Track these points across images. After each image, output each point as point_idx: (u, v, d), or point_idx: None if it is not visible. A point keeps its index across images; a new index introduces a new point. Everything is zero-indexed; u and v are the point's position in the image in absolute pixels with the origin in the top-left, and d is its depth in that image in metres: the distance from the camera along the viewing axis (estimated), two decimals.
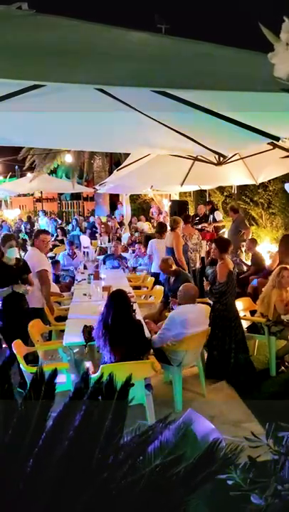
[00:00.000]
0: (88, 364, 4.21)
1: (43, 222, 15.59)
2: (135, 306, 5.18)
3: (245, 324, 5.72)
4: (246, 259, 8.54)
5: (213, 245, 5.47)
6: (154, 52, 1.68)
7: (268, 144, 3.81)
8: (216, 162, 6.52)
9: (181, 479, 0.96)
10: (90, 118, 3.99)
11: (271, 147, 5.48)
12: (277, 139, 3.13)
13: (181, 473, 0.97)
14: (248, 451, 1.24)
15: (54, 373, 1.11)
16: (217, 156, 6.13)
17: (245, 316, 5.83)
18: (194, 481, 0.97)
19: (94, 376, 1.23)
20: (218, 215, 10.76)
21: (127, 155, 9.54)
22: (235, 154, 6.64)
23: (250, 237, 8.69)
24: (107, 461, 0.97)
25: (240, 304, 5.78)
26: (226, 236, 8.86)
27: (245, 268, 8.28)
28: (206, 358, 5.16)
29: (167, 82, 1.58)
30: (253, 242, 8.41)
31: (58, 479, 0.90)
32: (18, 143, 6.41)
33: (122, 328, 3.85)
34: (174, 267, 6.24)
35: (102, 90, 3.14)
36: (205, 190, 12.88)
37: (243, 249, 8.74)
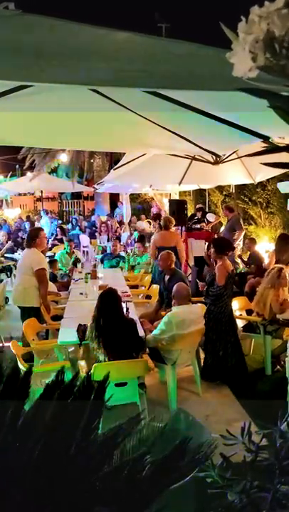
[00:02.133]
0: (82, 363, 4.22)
1: (43, 222, 15.61)
2: (131, 305, 5.19)
3: (240, 323, 5.73)
4: (244, 257, 8.54)
5: (211, 246, 5.42)
6: (139, 53, 1.69)
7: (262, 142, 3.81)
8: (212, 161, 6.52)
9: (150, 474, 0.97)
10: (86, 117, 4.00)
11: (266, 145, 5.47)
12: (268, 138, 3.14)
13: (148, 470, 0.98)
14: (222, 448, 1.25)
15: (29, 371, 1.12)
16: (213, 156, 6.13)
17: (241, 315, 5.84)
18: (164, 477, 0.98)
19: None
20: (211, 216, 10.78)
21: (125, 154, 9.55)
22: (233, 153, 6.63)
23: (249, 237, 8.72)
24: (79, 455, 0.98)
25: (237, 303, 5.78)
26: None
27: (241, 266, 8.29)
28: (202, 358, 5.17)
29: (149, 83, 1.59)
30: (253, 241, 8.42)
31: (29, 476, 0.91)
32: (16, 142, 6.44)
33: (114, 328, 3.86)
34: (173, 265, 6.24)
35: (95, 90, 3.16)
36: (204, 190, 12.89)
37: (239, 248, 8.77)
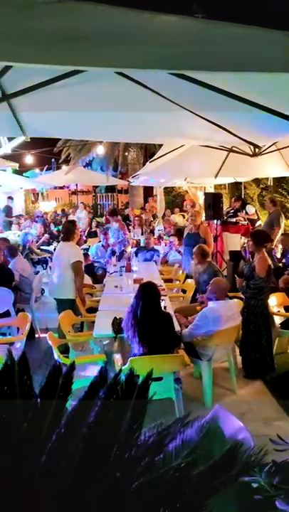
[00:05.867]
0: (118, 356, 4.20)
1: (81, 215, 15.71)
2: (166, 300, 5.14)
3: (278, 320, 5.58)
4: (277, 252, 8.33)
5: (249, 239, 5.31)
6: (183, 36, 1.62)
7: None
8: (251, 153, 6.34)
9: (199, 482, 0.92)
10: (122, 108, 3.96)
11: None
12: None
13: (199, 475, 0.93)
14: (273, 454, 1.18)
15: (72, 366, 1.08)
16: (252, 147, 5.97)
17: (279, 311, 5.69)
18: (212, 485, 0.92)
19: (124, 368, 1.21)
20: (250, 208, 10.51)
21: (161, 147, 9.47)
22: (272, 145, 6.44)
23: (284, 232, 8.47)
24: (122, 459, 0.94)
25: (275, 299, 5.62)
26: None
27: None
28: (238, 354, 5.07)
29: (190, 64, 1.53)
30: (288, 236, 8.18)
31: (71, 476, 0.87)
32: (54, 134, 6.48)
33: (150, 320, 3.83)
34: (209, 257, 6.15)
35: (134, 80, 3.11)
36: (240, 183, 12.64)
37: (274, 242, 8.54)
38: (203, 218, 8.18)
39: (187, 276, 7.16)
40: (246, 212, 10.34)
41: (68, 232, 5.82)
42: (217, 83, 2.73)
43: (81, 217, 15.01)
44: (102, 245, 9.75)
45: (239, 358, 5.08)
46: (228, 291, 4.78)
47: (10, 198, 15.20)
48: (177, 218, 13.71)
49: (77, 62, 1.55)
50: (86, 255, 8.50)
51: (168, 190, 17.02)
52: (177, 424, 1.10)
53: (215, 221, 8.77)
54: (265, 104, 2.92)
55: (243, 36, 1.65)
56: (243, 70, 1.69)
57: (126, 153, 18.26)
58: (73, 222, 6.68)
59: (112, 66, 1.57)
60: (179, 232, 9.24)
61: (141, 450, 0.96)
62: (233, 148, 6.53)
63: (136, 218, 13.97)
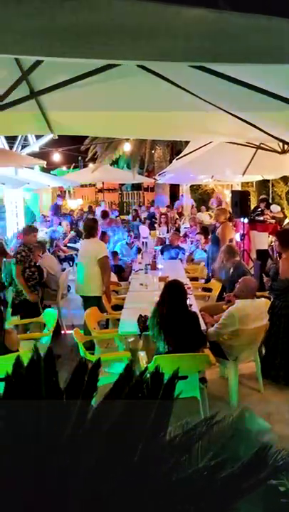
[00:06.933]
0: (142, 354, 4.19)
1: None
2: (192, 298, 5.10)
3: None
4: None
5: (275, 238, 5.21)
6: (210, 28, 1.59)
7: None
8: (279, 150, 6.23)
9: (227, 484, 0.89)
10: (151, 107, 3.95)
11: None
12: None
13: (227, 477, 0.91)
14: None
15: (98, 364, 1.08)
16: (281, 144, 5.86)
17: None
18: (241, 487, 0.90)
19: (149, 365, 1.20)
20: (275, 207, 10.35)
21: (187, 144, 9.40)
22: None
23: None
24: (148, 458, 0.92)
25: None
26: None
27: None
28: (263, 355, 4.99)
29: (217, 57, 1.51)
30: None
31: (95, 473, 0.86)
32: (82, 132, 6.53)
33: (176, 319, 3.80)
34: (238, 256, 6.07)
35: (161, 76, 3.09)
36: (268, 181, 12.45)
37: None
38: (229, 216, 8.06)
39: (212, 275, 7.10)
40: (271, 211, 10.20)
41: (91, 229, 5.90)
42: (246, 77, 2.69)
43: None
44: (127, 243, 9.77)
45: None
46: (256, 290, 4.70)
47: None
48: (203, 216, 13.60)
49: (103, 56, 1.55)
50: (115, 254, 8.53)
51: (194, 188, 16.90)
52: (203, 424, 1.08)
53: (242, 219, 8.65)
54: None
55: (268, 28, 1.62)
56: (268, 62, 1.66)
57: (152, 151, 18.20)
58: (94, 219, 6.77)
59: (141, 59, 1.56)
60: (205, 230, 9.17)
61: (167, 450, 0.95)
62: (261, 145, 6.42)
63: (162, 216, 13.94)
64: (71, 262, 10.50)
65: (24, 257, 5.60)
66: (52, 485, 0.86)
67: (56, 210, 15.23)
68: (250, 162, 8.00)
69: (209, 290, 6.91)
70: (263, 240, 8.96)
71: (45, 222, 13.46)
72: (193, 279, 7.49)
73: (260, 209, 10.20)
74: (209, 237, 8.31)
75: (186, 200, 15.72)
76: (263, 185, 13.59)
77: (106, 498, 0.85)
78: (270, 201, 12.02)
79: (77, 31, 1.40)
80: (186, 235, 11.35)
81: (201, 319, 4.26)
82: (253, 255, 8.67)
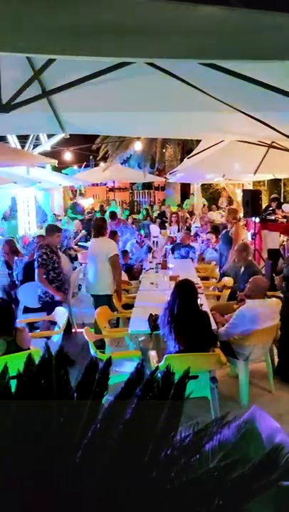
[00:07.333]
0: (153, 353, 4.19)
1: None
2: (202, 298, 5.08)
3: None
4: None
5: (287, 238, 5.18)
6: (222, 26, 1.58)
7: None
8: None
9: (238, 485, 0.89)
10: (160, 104, 3.94)
11: None
12: None
13: (238, 478, 0.90)
14: None
15: (108, 362, 1.08)
16: None
17: None
18: (252, 488, 0.89)
19: (160, 365, 1.19)
20: (287, 207, 10.28)
21: (199, 143, 9.37)
22: None
23: None
24: (158, 458, 0.92)
25: None
26: None
27: None
28: (276, 354, 4.95)
29: (229, 55, 1.50)
30: None
31: (106, 473, 0.86)
32: (93, 131, 6.54)
33: (187, 318, 3.79)
34: (250, 256, 6.04)
35: (173, 75, 3.08)
36: (280, 180, 12.37)
37: None
38: (242, 215, 8.03)
39: (223, 274, 7.07)
40: (283, 211, 10.14)
41: (101, 228, 5.91)
42: (258, 75, 2.67)
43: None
44: (137, 241, 9.78)
45: (276, 359, 4.96)
46: (267, 290, 4.67)
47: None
48: (214, 215, 13.56)
49: (115, 54, 1.55)
50: (125, 253, 8.54)
51: (205, 187, 16.85)
52: (214, 424, 1.07)
53: (253, 218, 8.60)
54: None
55: (281, 25, 1.60)
56: (281, 59, 1.64)
57: (163, 150, 18.19)
58: (103, 218, 6.80)
59: (153, 56, 1.56)
60: (215, 229, 9.14)
61: (177, 450, 0.94)
62: (273, 144, 6.37)
63: (173, 215, 13.92)
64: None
65: (46, 260, 5.56)
66: (68, 484, 0.86)
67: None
68: (262, 161, 7.94)
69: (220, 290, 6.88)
70: (275, 240, 8.89)
71: (57, 221, 13.53)
72: (204, 278, 7.47)
73: (271, 208, 10.15)
74: (220, 236, 8.28)
75: (197, 199, 15.69)
76: (275, 184, 13.50)
77: (122, 497, 0.85)
78: (282, 200, 11.95)
79: (89, 30, 1.40)
80: (196, 234, 11.33)
81: (212, 319, 4.25)
82: (264, 255, 8.62)
